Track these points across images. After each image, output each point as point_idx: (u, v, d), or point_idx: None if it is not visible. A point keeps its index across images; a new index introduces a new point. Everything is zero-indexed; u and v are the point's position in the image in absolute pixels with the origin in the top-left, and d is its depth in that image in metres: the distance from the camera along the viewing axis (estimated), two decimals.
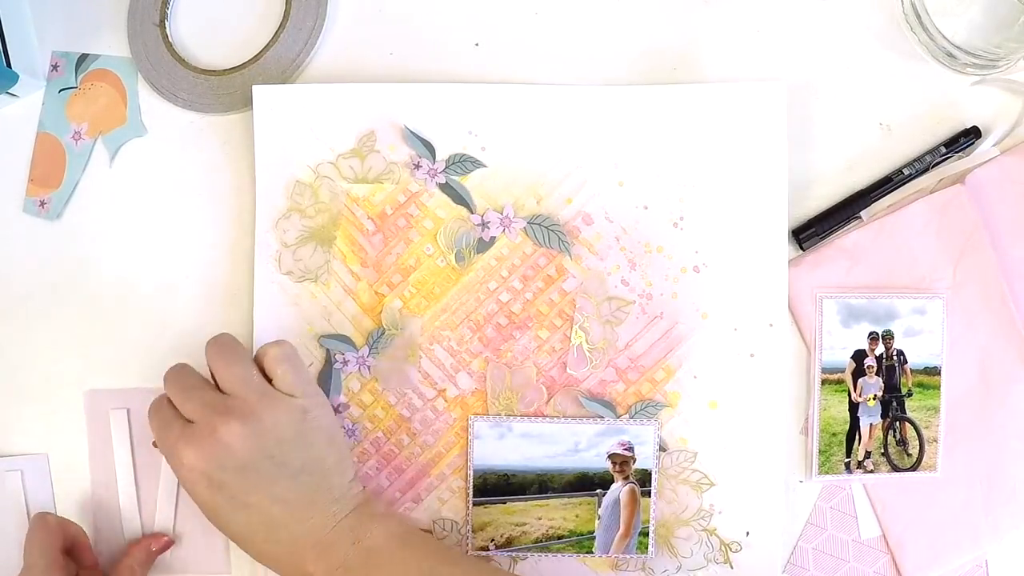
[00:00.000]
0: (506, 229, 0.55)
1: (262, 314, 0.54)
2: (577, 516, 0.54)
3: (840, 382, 0.55)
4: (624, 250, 0.54)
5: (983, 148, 0.55)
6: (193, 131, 0.57)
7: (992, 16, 0.53)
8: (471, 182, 0.55)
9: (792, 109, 0.54)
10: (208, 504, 0.48)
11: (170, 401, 0.49)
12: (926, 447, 0.54)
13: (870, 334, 0.54)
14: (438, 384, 0.54)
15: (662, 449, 0.54)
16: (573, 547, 0.54)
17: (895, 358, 0.55)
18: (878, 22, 0.56)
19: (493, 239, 0.55)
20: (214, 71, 0.57)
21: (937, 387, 0.54)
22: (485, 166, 0.55)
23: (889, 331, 0.54)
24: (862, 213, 0.55)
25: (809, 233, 0.54)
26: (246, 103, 0.56)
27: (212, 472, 0.46)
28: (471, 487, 0.54)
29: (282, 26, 0.57)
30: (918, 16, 0.54)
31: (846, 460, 0.54)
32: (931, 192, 0.55)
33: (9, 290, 0.58)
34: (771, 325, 0.53)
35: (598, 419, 0.54)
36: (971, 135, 0.55)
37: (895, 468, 0.54)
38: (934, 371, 0.54)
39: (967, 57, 0.54)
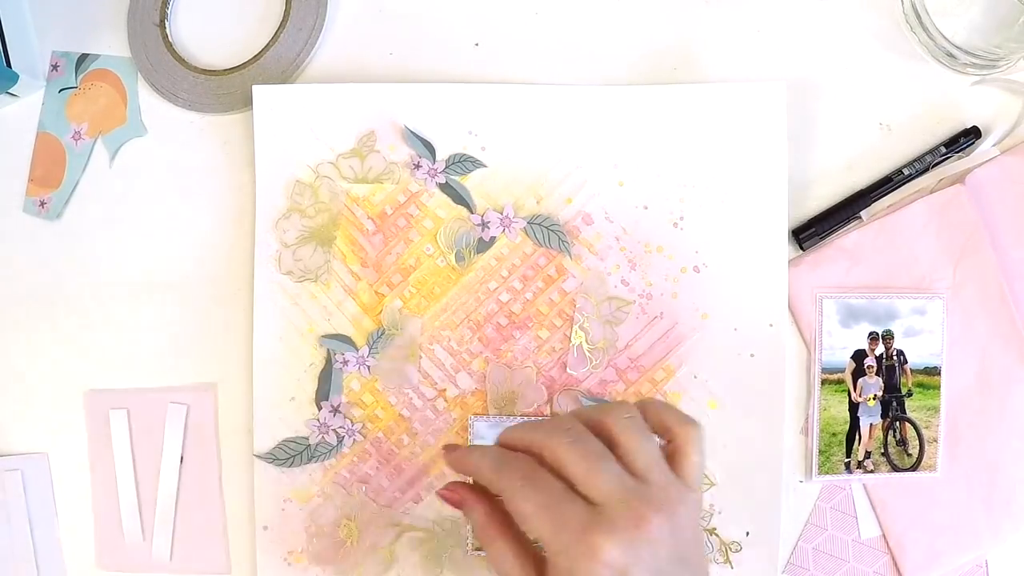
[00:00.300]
0: (506, 229, 0.55)
1: (262, 314, 0.54)
2: None
3: (840, 382, 0.55)
4: (624, 250, 0.54)
5: (983, 148, 0.55)
6: (193, 131, 0.57)
7: (992, 16, 0.53)
8: (471, 182, 0.55)
9: (792, 109, 0.54)
10: None
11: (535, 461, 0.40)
12: (926, 447, 0.54)
13: (870, 334, 0.54)
14: (438, 384, 0.54)
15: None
16: None
17: (895, 358, 0.55)
18: (878, 22, 0.56)
19: (493, 239, 0.55)
20: (214, 71, 0.57)
21: (937, 387, 0.54)
22: (485, 166, 0.55)
23: (889, 331, 0.54)
24: (862, 213, 0.55)
25: (809, 233, 0.54)
26: (246, 103, 0.56)
27: (633, 574, 0.37)
28: None
29: (282, 26, 0.57)
30: (918, 16, 0.54)
31: (846, 460, 0.54)
32: (931, 192, 0.55)
33: (9, 290, 0.58)
34: (771, 325, 0.53)
35: None
36: (971, 135, 0.55)
37: (895, 468, 0.54)
38: (934, 371, 0.54)
39: (967, 57, 0.54)
